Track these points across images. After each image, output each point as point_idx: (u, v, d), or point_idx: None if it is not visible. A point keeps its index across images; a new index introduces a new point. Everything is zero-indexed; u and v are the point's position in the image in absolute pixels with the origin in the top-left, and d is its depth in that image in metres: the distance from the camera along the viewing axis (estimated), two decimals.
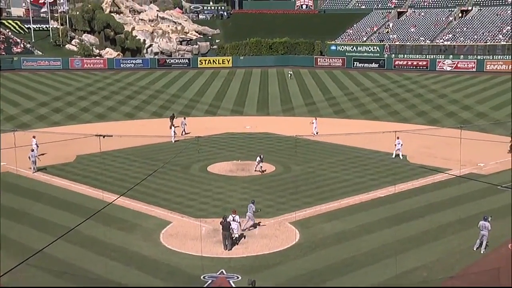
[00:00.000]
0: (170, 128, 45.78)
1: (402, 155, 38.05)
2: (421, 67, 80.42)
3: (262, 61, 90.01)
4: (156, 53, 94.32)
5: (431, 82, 70.39)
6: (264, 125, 51.00)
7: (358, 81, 73.47)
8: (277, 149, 42.17)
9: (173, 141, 43.93)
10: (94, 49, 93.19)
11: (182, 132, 46.87)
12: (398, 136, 37.32)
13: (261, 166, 34.73)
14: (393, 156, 38.31)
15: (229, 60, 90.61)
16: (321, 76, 77.88)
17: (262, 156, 34.99)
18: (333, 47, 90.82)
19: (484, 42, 79.81)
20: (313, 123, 46.38)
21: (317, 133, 45.17)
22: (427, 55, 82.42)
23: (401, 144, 37.86)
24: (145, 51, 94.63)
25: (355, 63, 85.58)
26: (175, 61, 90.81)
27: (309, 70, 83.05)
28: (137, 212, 27.95)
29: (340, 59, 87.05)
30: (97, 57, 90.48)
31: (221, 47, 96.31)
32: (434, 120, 51.65)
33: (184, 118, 48.68)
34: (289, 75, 76.04)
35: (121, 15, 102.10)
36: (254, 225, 25.81)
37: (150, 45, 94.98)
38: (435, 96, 62.34)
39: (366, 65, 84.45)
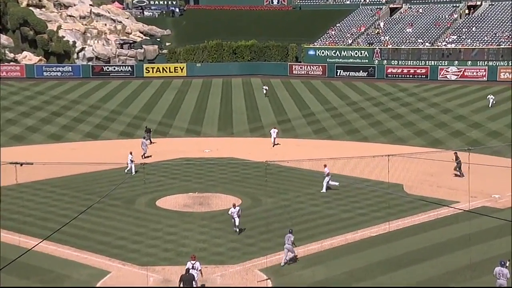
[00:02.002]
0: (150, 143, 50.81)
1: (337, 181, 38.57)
2: (419, 76, 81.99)
3: (224, 69, 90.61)
4: (90, 59, 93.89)
5: (432, 94, 71.76)
6: (227, 148, 51.12)
7: (343, 93, 74.43)
8: (244, 177, 42.33)
9: (132, 172, 42.61)
10: (7, 52, 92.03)
11: (143, 155, 47.22)
12: (325, 164, 37.82)
13: (238, 212, 31.35)
14: (324, 190, 38.34)
15: (183, 67, 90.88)
16: (297, 88, 78.66)
17: (237, 207, 31.63)
18: (311, 52, 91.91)
19: (497, 45, 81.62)
20: (271, 133, 51.74)
21: (274, 145, 50.70)
22: (427, 61, 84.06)
23: (328, 173, 38.11)
24: (75, 56, 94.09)
25: (339, 71, 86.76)
26: (114, 68, 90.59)
27: (282, 80, 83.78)
28: (65, 260, 27.52)
29: (320, 67, 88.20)
30: (12, 63, 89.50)
31: (172, 52, 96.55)
32: (437, 141, 52.58)
33: (145, 138, 50.81)
34: (264, 91, 74.69)
35: (43, 9, 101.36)
36: (294, 259, 26.83)
37: (82, 49, 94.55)
38: (437, 111, 63.53)
39: (352, 73, 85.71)
